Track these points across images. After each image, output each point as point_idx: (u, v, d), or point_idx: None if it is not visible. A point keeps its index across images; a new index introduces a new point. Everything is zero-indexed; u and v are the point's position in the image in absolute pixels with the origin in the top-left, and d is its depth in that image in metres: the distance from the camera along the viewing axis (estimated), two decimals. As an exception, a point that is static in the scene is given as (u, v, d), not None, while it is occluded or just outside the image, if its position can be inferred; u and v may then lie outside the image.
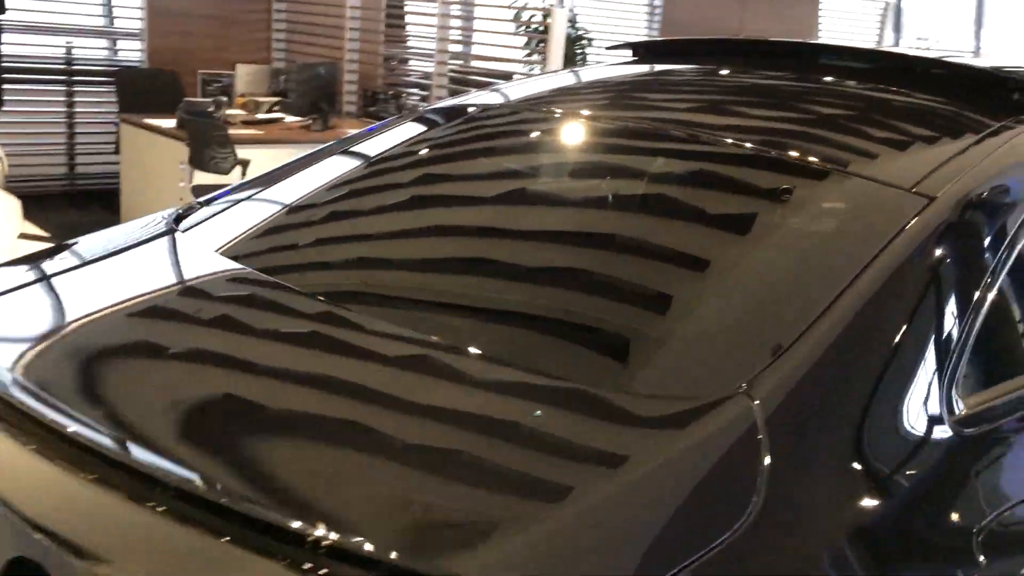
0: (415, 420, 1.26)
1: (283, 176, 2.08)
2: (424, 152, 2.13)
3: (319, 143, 2.42)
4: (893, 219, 1.47)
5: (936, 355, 1.38)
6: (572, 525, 1.05)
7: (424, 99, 7.23)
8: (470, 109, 2.21)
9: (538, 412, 1.29)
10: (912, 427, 1.32)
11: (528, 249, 1.74)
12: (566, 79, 2.73)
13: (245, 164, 5.68)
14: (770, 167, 1.71)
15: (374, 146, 2.15)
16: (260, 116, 6.57)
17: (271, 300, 1.59)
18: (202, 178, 5.82)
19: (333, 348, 1.47)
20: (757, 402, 1.19)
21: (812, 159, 1.75)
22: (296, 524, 1.03)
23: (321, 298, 1.58)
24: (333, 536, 1.01)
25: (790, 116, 2.01)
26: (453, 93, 7.18)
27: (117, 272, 1.75)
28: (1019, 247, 1.56)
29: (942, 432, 1.35)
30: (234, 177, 5.66)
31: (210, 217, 1.95)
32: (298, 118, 6.71)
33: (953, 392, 1.37)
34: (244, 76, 7.19)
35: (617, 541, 1.05)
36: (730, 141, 1.83)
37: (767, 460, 1.14)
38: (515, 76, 6.78)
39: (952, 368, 1.38)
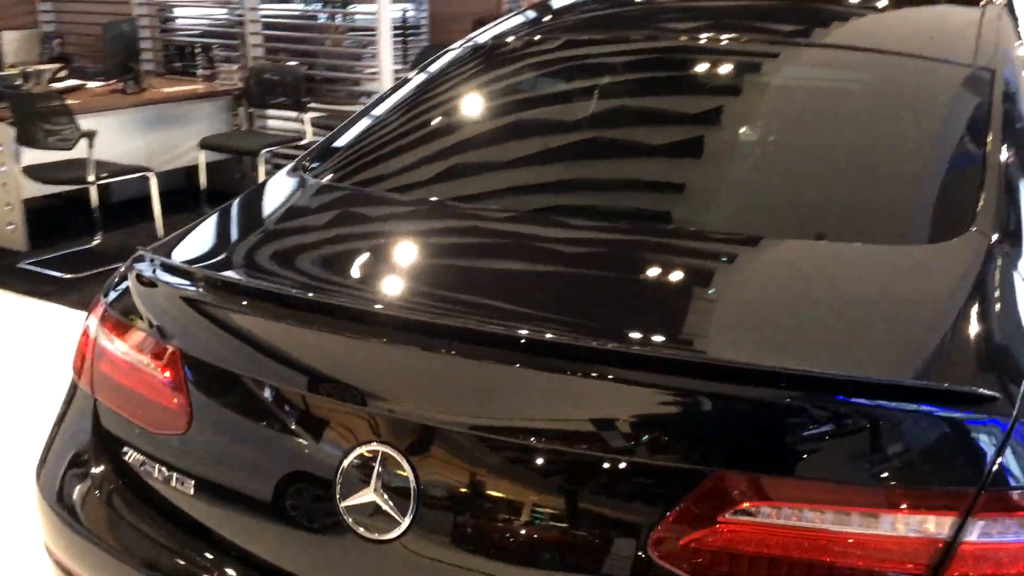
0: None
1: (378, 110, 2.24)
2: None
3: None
4: (984, 88, 1.81)
5: None
6: None
7: (235, 48, 6.79)
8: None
9: None
10: None
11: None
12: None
13: (91, 136, 5.16)
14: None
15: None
16: (58, 86, 5.96)
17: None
18: (36, 156, 5.25)
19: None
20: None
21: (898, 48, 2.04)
22: None
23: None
24: None
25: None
26: (268, 39, 6.78)
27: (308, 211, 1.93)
28: None
29: None
30: (80, 152, 5.14)
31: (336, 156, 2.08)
32: (99, 82, 6.15)
33: None
34: (12, 43, 6.51)
35: None
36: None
37: None
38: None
39: None
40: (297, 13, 7.51)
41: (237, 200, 1.97)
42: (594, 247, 1.67)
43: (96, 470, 1.67)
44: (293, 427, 1.43)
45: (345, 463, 1.35)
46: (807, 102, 1.98)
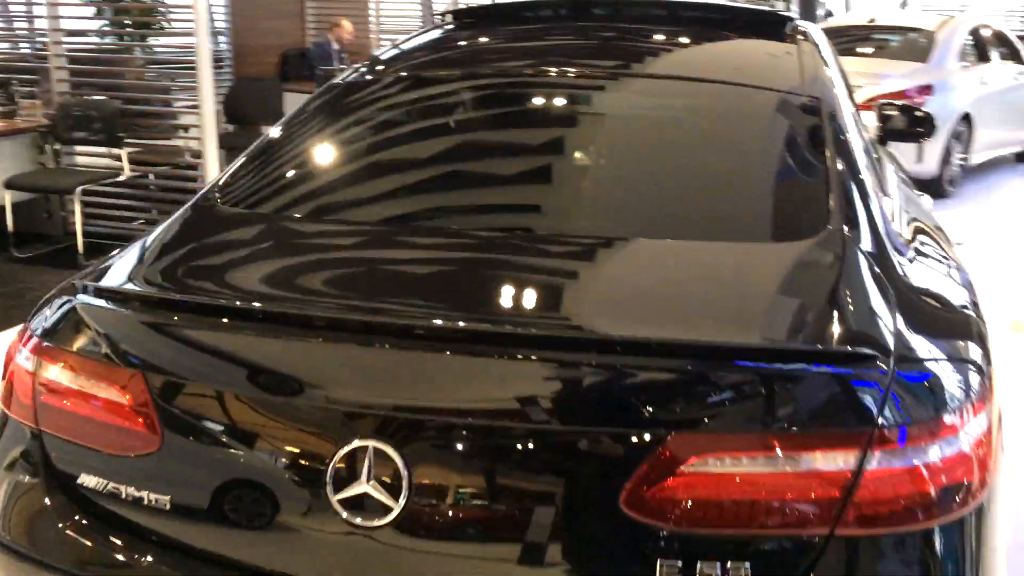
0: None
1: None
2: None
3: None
4: (815, 112, 2.15)
5: None
6: None
7: (37, 84, 6.50)
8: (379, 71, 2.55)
9: None
10: None
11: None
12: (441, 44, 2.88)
13: None
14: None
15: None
16: None
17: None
18: None
19: None
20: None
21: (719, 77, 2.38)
22: None
23: None
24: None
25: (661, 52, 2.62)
26: (75, 74, 6.54)
27: None
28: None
29: None
30: None
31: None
32: None
33: None
34: None
35: None
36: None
37: None
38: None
39: None
40: (111, 46, 7.27)
41: (158, 230, 2.03)
42: (513, 252, 1.88)
43: (49, 501, 1.69)
44: (272, 433, 1.54)
45: (333, 461, 1.47)
46: (673, 129, 2.27)
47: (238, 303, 1.67)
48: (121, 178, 6.01)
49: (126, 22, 7.73)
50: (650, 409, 1.43)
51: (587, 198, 2.09)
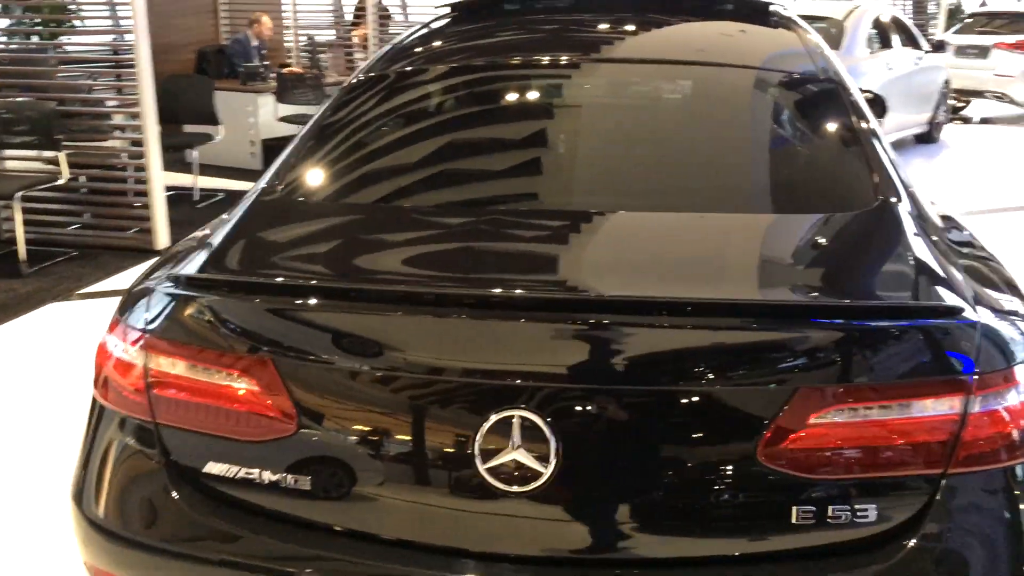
0: None
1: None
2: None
3: None
4: (835, 96, 2.32)
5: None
6: None
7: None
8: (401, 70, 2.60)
9: None
10: None
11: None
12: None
13: None
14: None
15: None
16: None
17: None
18: None
19: None
20: None
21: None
22: None
23: None
24: None
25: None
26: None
27: None
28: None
29: None
30: None
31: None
32: None
33: None
34: None
35: None
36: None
37: None
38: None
39: None
40: (34, 46, 7.01)
41: (228, 223, 2.06)
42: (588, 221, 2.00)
43: (175, 493, 1.71)
44: (412, 409, 1.60)
45: (480, 432, 1.55)
46: (725, 111, 2.41)
47: (366, 285, 1.72)
48: (60, 181, 5.83)
49: (37, 20, 7.45)
50: (782, 368, 1.56)
51: (669, 177, 2.21)
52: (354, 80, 2.59)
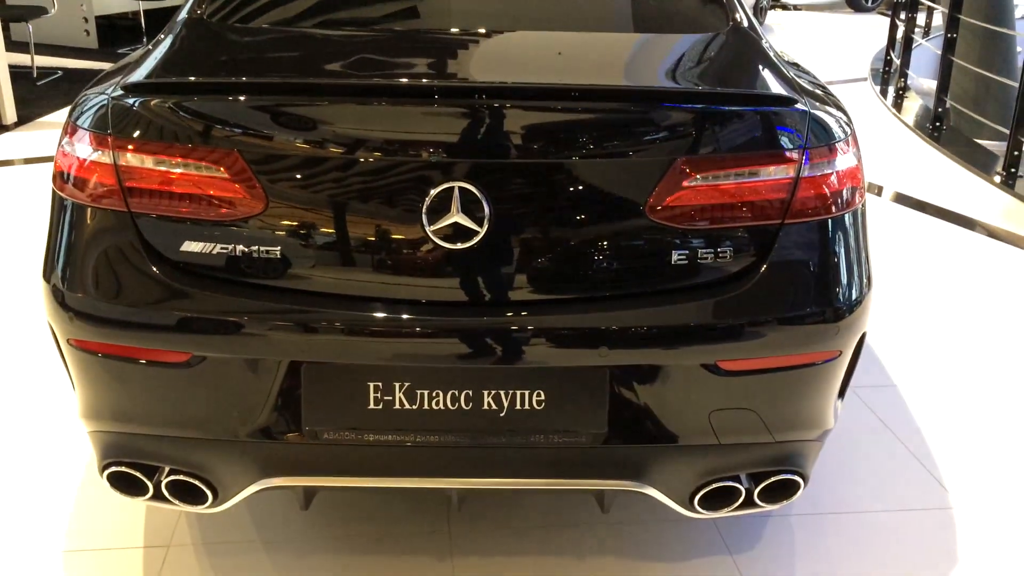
0: None
1: None
2: None
3: None
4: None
5: None
6: None
7: None
8: None
9: None
10: None
11: None
12: None
13: None
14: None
15: None
16: None
17: None
18: None
19: None
20: None
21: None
22: None
23: None
24: None
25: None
26: None
27: None
28: None
29: None
30: None
31: None
32: None
33: None
34: None
35: None
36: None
37: None
38: None
39: None
40: None
41: (167, 37, 2.32)
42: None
43: (155, 269, 1.96)
44: (371, 185, 1.92)
45: (427, 200, 1.89)
46: None
47: (328, 80, 2.07)
48: None
49: None
50: (662, 142, 1.97)
51: (558, 4, 2.63)
52: None
